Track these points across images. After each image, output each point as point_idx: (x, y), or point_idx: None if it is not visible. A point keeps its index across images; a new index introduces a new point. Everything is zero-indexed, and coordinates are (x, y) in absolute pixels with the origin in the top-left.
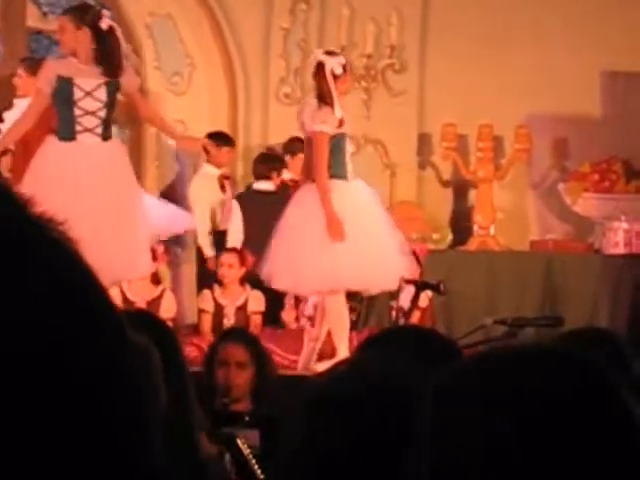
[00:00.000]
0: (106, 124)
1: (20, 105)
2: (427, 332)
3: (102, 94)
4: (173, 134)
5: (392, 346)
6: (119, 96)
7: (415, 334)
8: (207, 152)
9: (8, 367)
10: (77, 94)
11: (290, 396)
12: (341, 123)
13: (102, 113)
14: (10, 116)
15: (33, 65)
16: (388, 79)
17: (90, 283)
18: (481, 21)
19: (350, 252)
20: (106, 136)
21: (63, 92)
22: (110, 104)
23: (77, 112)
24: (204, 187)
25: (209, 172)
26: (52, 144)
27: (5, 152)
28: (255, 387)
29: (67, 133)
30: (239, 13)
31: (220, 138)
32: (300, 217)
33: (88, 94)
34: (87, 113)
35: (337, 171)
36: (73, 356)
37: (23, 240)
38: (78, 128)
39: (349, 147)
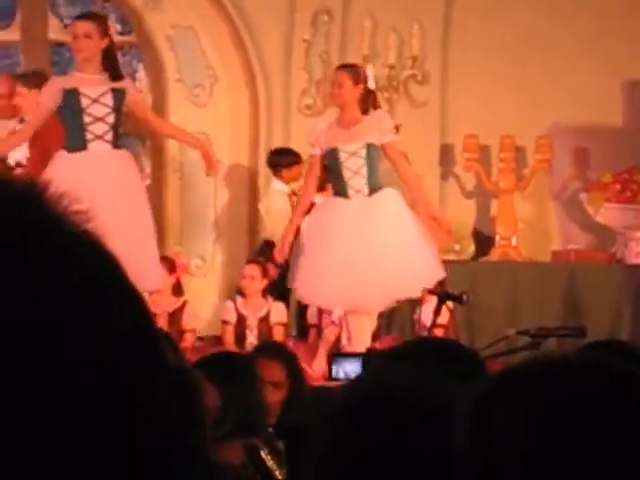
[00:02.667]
0: (115, 131)
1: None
2: (450, 344)
3: (109, 100)
4: (191, 142)
5: (415, 358)
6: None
7: (438, 346)
8: (277, 171)
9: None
10: (84, 102)
11: (314, 407)
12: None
13: (110, 119)
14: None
15: (32, 79)
16: (410, 90)
17: (120, 282)
18: (502, 32)
19: (353, 273)
20: (116, 144)
21: (71, 102)
22: (117, 109)
23: (86, 119)
24: (278, 202)
25: (281, 189)
26: (62, 158)
27: (19, 165)
28: (287, 402)
29: (78, 142)
30: (261, 25)
31: (288, 158)
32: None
33: (95, 101)
34: (96, 120)
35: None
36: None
37: (57, 241)
38: (89, 136)
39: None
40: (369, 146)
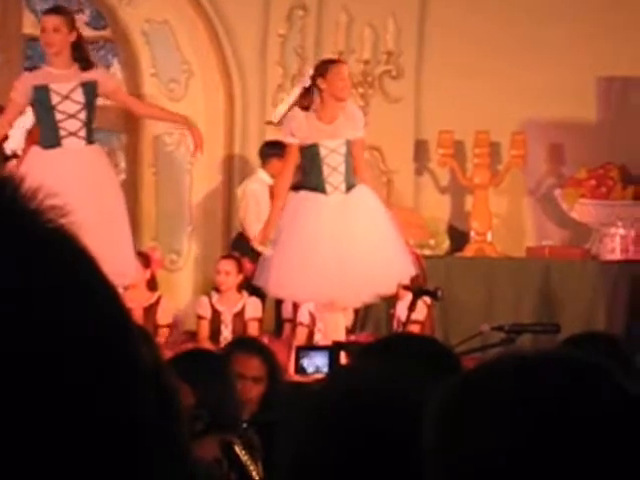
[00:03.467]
0: (89, 127)
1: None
2: (425, 339)
3: (79, 96)
4: (173, 117)
5: (391, 353)
6: (107, 100)
7: (414, 342)
8: (265, 160)
9: (14, 366)
10: (55, 99)
11: (289, 402)
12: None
13: (82, 115)
14: (19, 121)
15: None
16: (385, 85)
17: (96, 277)
18: (478, 28)
19: (332, 267)
20: (90, 140)
21: (41, 99)
22: (89, 105)
23: (58, 116)
24: (258, 192)
25: (263, 179)
26: (35, 154)
27: (14, 156)
28: (265, 398)
29: (52, 139)
30: (236, 20)
31: (282, 149)
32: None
33: (65, 97)
34: (69, 117)
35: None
36: (75, 354)
37: (32, 235)
38: (62, 133)
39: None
40: (348, 142)
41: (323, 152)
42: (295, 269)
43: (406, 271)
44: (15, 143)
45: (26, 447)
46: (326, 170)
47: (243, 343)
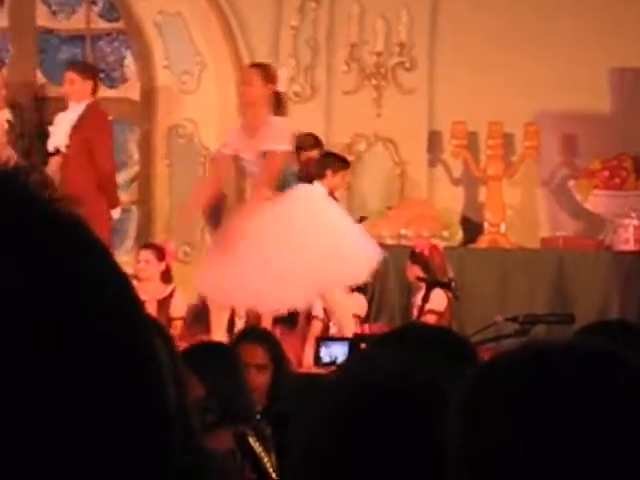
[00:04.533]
0: None
1: (76, 109)
2: (440, 329)
3: None
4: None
5: (406, 343)
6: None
7: (428, 331)
8: (321, 175)
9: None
10: None
11: (302, 392)
12: None
13: None
14: (62, 119)
15: (86, 69)
16: (398, 77)
17: (107, 267)
18: (490, 18)
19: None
20: None
21: None
22: None
23: None
24: None
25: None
26: None
27: (57, 152)
28: (272, 387)
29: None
30: (249, 12)
31: (337, 162)
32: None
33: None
34: None
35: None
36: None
37: (47, 222)
38: None
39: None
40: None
41: (245, 164)
42: (219, 271)
43: (372, 257)
44: (59, 140)
45: (28, 447)
46: (250, 181)
47: (248, 333)
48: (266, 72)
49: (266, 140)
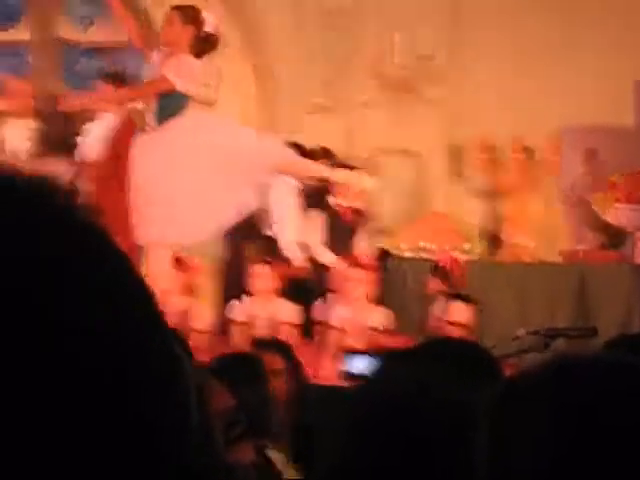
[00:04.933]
0: None
1: (106, 117)
2: (466, 344)
3: None
4: None
5: (430, 357)
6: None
7: (454, 346)
8: (334, 189)
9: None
10: None
11: (325, 406)
12: None
13: None
14: (93, 128)
15: (118, 79)
16: (420, 90)
17: (128, 276)
18: (512, 32)
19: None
20: None
21: None
22: None
23: None
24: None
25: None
26: None
27: (84, 164)
28: (289, 397)
29: None
30: (268, 21)
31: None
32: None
33: None
34: None
35: None
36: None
37: (65, 229)
38: None
39: None
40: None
41: None
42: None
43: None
44: (89, 151)
45: (30, 450)
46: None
47: (262, 342)
48: (186, 13)
49: (165, 67)
